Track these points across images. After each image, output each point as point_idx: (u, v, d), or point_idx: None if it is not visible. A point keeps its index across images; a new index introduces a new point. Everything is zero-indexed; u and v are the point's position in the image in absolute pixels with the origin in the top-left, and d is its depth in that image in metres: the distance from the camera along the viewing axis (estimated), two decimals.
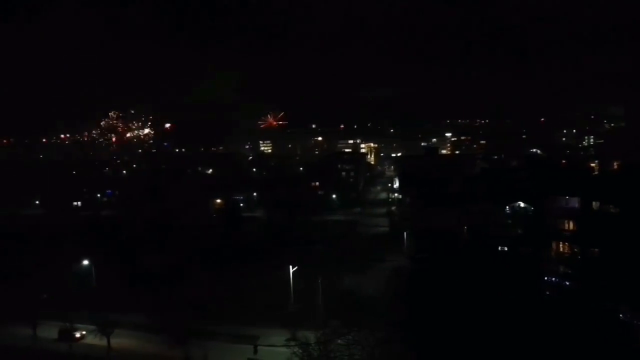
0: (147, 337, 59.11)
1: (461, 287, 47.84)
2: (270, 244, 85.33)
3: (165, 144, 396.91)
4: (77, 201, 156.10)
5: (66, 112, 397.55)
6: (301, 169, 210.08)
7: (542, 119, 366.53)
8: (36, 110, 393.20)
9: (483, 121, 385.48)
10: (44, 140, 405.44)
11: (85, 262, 72.38)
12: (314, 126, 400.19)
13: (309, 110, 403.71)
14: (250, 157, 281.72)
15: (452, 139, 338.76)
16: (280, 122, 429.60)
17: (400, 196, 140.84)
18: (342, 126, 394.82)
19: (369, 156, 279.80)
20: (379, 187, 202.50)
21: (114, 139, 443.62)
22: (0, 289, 63.42)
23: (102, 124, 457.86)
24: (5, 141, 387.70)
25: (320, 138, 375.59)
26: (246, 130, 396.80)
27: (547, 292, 58.91)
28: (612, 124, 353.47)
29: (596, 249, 61.36)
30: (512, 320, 41.43)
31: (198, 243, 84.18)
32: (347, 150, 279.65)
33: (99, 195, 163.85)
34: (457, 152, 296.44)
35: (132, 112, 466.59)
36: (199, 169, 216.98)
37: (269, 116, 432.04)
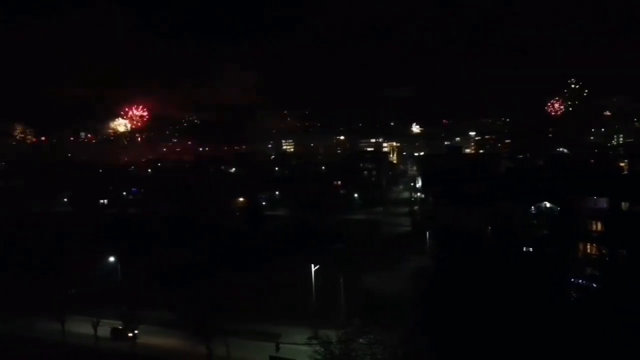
0: (171, 333, 60.15)
1: (484, 287, 47.26)
2: (293, 243, 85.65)
3: (189, 142, 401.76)
4: (103, 199, 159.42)
5: (92, 112, 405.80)
6: (323, 168, 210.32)
7: (569, 117, 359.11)
8: (64, 109, 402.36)
9: (508, 120, 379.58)
10: (71, 138, 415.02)
11: (111, 258, 73.79)
12: (336, 126, 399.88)
13: (331, 109, 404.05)
14: (273, 156, 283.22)
15: (476, 138, 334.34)
16: (303, 121, 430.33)
17: (422, 195, 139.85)
18: (364, 125, 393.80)
19: (391, 155, 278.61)
20: (401, 187, 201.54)
21: (138, 138, 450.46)
22: (30, 284, 65.12)
23: (126, 122, 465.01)
24: (34, 139, 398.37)
25: (342, 137, 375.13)
26: (269, 129, 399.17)
27: (574, 294, 57.84)
28: None
29: (624, 251, 59.96)
30: (536, 323, 40.78)
31: (221, 241, 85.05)
32: (369, 149, 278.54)
33: (124, 193, 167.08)
34: (481, 151, 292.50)
35: (156, 112, 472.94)
36: (223, 167, 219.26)
37: (291, 115, 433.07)
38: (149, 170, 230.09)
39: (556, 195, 76.24)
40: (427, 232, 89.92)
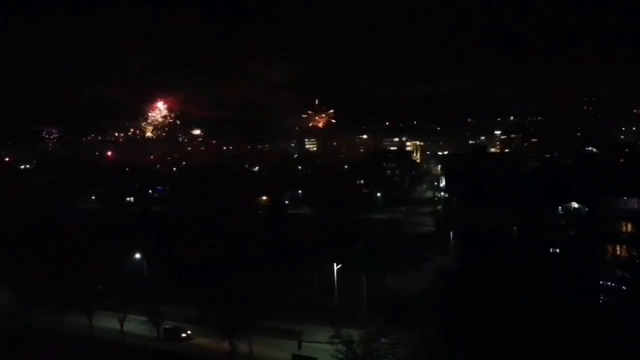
0: (195, 329, 60.96)
1: (509, 289, 46.55)
2: (315, 241, 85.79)
3: (213, 141, 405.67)
4: (129, 197, 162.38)
5: (118, 111, 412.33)
6: (346, 167, 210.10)
7: (599, 115, 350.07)
8: (91, 109, 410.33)
9: (534, 118, 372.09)
10: (99, 138, 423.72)
11: (137, 255, 75.05)
12: (359, 124, 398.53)
13: (354, 108, 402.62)
14: (296, 155, 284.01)
15: (502, 137, 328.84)
16: (327, 120, 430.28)
17: (446, 195, 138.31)
18: (387, 123, 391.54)
19: (414, 154, 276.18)
20: (424, 186, 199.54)
21: (163, 137, 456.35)
22: (59, 279, 66.74)
23: (151, 121, 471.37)
24: (58, 136, 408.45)
25: (365, 136, 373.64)
26: (292, 128, 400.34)
27: (603, 297, 56.60)
28: None
29: None
30: (564, 325, 40.00)
31: (245, 239, 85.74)
32: (392, 148, 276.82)
33: (150, 191, 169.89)
34: (506, 150, 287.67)
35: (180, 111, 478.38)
36: (246, 166, 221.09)
37: (315, 114, 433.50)
38: (174, 168, 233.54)
39: (584, 196, 74.62)
40: (451, 232, 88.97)
